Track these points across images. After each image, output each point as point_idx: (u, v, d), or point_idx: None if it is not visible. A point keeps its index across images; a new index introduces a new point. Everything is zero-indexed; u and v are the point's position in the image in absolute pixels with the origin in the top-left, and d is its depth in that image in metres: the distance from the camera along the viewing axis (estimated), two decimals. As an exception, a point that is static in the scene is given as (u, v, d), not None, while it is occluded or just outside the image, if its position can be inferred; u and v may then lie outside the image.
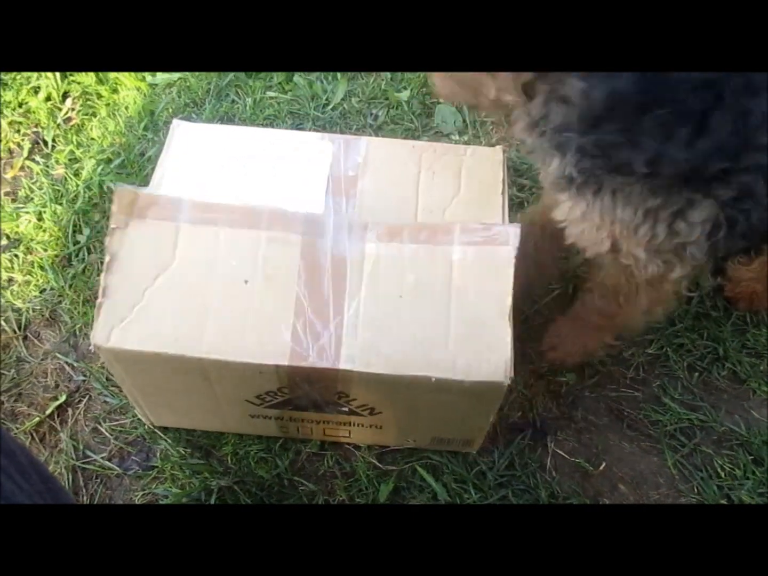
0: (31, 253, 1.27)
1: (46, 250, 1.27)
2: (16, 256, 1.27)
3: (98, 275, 1.09)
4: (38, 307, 1.21)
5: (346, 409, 0.93)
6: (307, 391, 0.89)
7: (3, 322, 1.19)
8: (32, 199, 1.33)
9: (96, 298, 1.07)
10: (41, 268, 1.25)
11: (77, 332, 1.19)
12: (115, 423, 1.10)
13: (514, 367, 0.82)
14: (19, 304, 1.21)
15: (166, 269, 0.84)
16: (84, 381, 1.14)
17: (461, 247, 0.88)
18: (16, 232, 1.29)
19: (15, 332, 1.19)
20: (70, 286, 1.22)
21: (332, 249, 0.86)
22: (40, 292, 1.23)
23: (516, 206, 1.31)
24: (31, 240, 1.28)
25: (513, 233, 0.88)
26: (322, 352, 0.83)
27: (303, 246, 0.86)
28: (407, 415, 0.94)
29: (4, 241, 1.28)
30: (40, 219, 1.30)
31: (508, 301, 0.84)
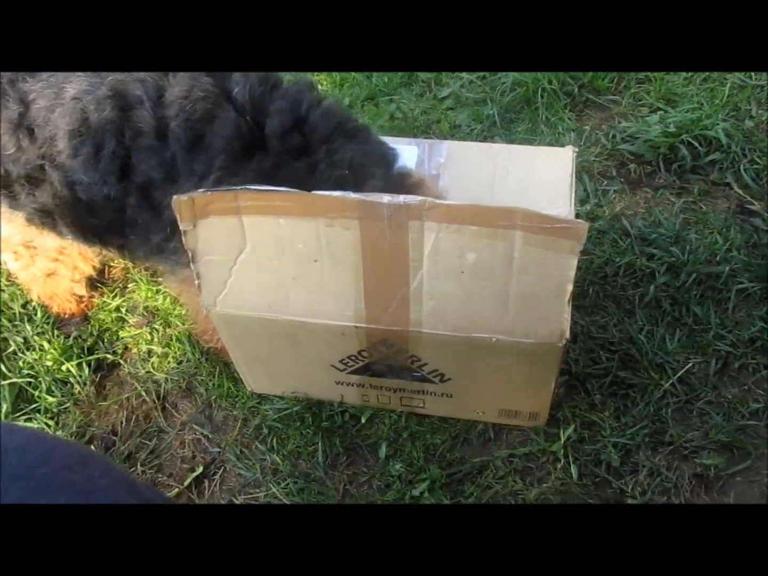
0: (169, 327, 1.35)
1: (183, 324, 1.34)
2: (155, 329, 1.35)
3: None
4: (176, 378, 1.28)
5: (419, 374, 1.03)
6: (384, 354, 1.00)
7: (144, 393, 1.27)
8: (170, 273, 1.43)
9: (230, 370, 1.22)
10: (179, 341, 1.32)
11: (212, 404, 1.25)
12: (249, 496, 1.14)
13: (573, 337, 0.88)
14: (158, 375, 1.29)
15: (242, 252, 0.93)
16: (219, 453, 1.19)
17: (523, 233, 0.87)
18: (155, 306, 1.39)
19: (155, 402, 1.26)
20: (206, 359, 1.28)
21: (391, 229, 0.88)
22: (178, 364, 1.30)
23: (646, 276, 1.29)
24: (169, 314, 1.36)
25: (581, 228, 0.86)
26: (393, 316, 0.94)
27: (362, 228, 0.87)
28: (474, 382, 1.03)
29: (144, 316, 1.39)
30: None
31: (569, 287, 0.88)
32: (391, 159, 1.00)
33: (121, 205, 1.00)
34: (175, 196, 0.87)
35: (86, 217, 1.05)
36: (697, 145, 1.45)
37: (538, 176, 1.13)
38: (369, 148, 0.96)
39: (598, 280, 1.31)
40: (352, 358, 1.03)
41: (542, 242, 0.85)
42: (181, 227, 0.90)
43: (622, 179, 1.47)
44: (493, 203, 1.10)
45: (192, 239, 0.92)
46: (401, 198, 0.84)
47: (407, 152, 1.19)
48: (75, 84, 0.99)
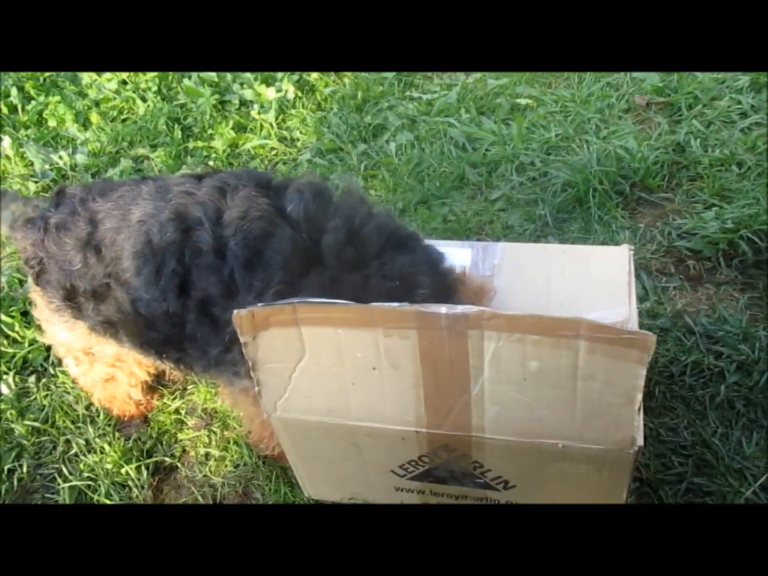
0: (227, 429, 1.36)
1: (241, 426, 1.33)
2: (213, 431, 1.36)
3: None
4: (232, 483, 1.28)
5: (481, 481, 1.00)
6: (445, 460, 0.98)
7: (200, 498, 1.27)
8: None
9: (288, 475, 1.20)
10: (236, 443, 1.32)
11: (269, 509, 1.24)
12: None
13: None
14: (215, 479, 1.29)
15: (301, 360, 0.94)
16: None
17: (588, 343, 0.83)
18: (214, 408, 1.40)
19: None
20: (263, 462, 1.28)
21: (450, 338, 0.86)
22: (234, 467, 1.30)
23: (716, 375, 1.25)
24: (227, 416, 1.37)
25: (649, 339, 0.80)
26: (455, 421, 0.92)
27: (420, 338, 0.87)
28: (540, 490, 0.98)
29: (202, 418, 1.40)
30: (236, 395, 1.41)
31: (638, 396, 0.84)
32: (436, 262, 1.01)
33: (180, 321, 1.03)
34: (235, 311, 0.88)
35: (146, 331, 1.08)
36: (757, 240, 1.43)
37: (595, 275, 1.12)
38: (416, 257, 0.98)
39: (664, 380, 1.27)
40: (413, 463, 1.01)
41: (608, 352, 0.82)
42: (242, 339, 0.91)
43: (681, 276, 1.45)
44: (551, 304, 1.12)
45: (252, 350, 0.93)
46: (459, 308, 0.83)
47: (461, 254, 1.21)
48: (141, 207, 1.05)
